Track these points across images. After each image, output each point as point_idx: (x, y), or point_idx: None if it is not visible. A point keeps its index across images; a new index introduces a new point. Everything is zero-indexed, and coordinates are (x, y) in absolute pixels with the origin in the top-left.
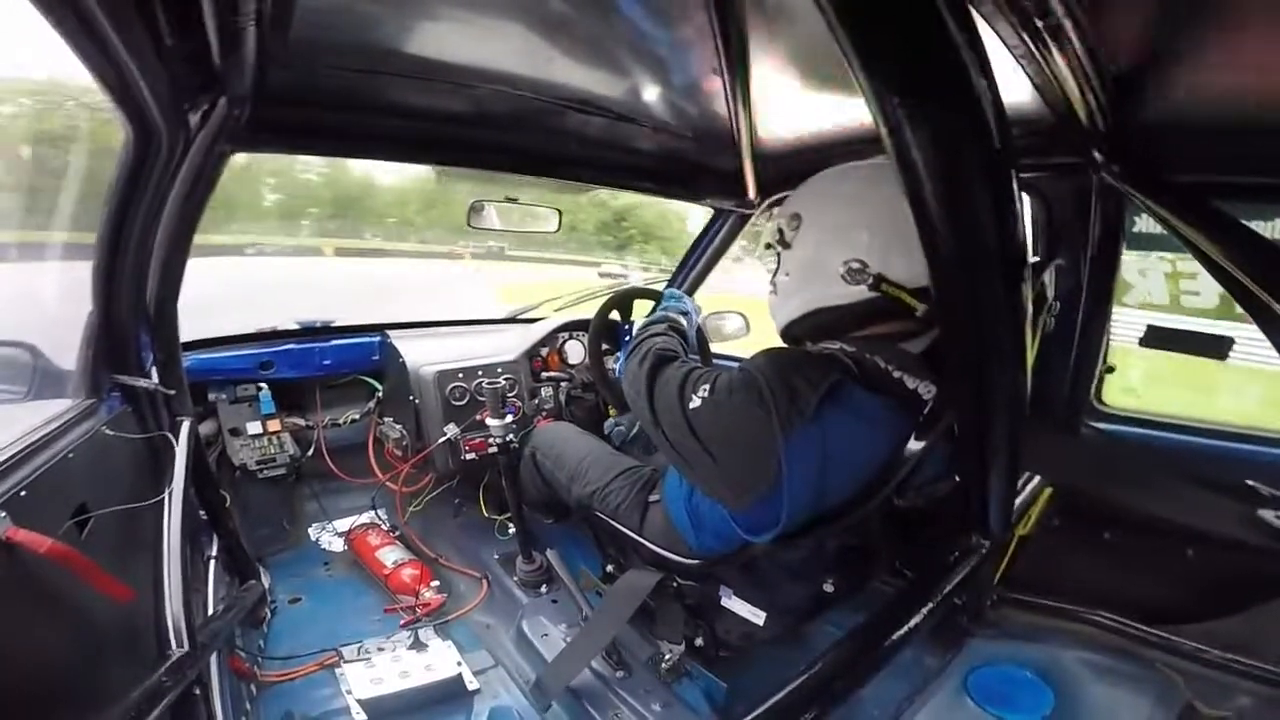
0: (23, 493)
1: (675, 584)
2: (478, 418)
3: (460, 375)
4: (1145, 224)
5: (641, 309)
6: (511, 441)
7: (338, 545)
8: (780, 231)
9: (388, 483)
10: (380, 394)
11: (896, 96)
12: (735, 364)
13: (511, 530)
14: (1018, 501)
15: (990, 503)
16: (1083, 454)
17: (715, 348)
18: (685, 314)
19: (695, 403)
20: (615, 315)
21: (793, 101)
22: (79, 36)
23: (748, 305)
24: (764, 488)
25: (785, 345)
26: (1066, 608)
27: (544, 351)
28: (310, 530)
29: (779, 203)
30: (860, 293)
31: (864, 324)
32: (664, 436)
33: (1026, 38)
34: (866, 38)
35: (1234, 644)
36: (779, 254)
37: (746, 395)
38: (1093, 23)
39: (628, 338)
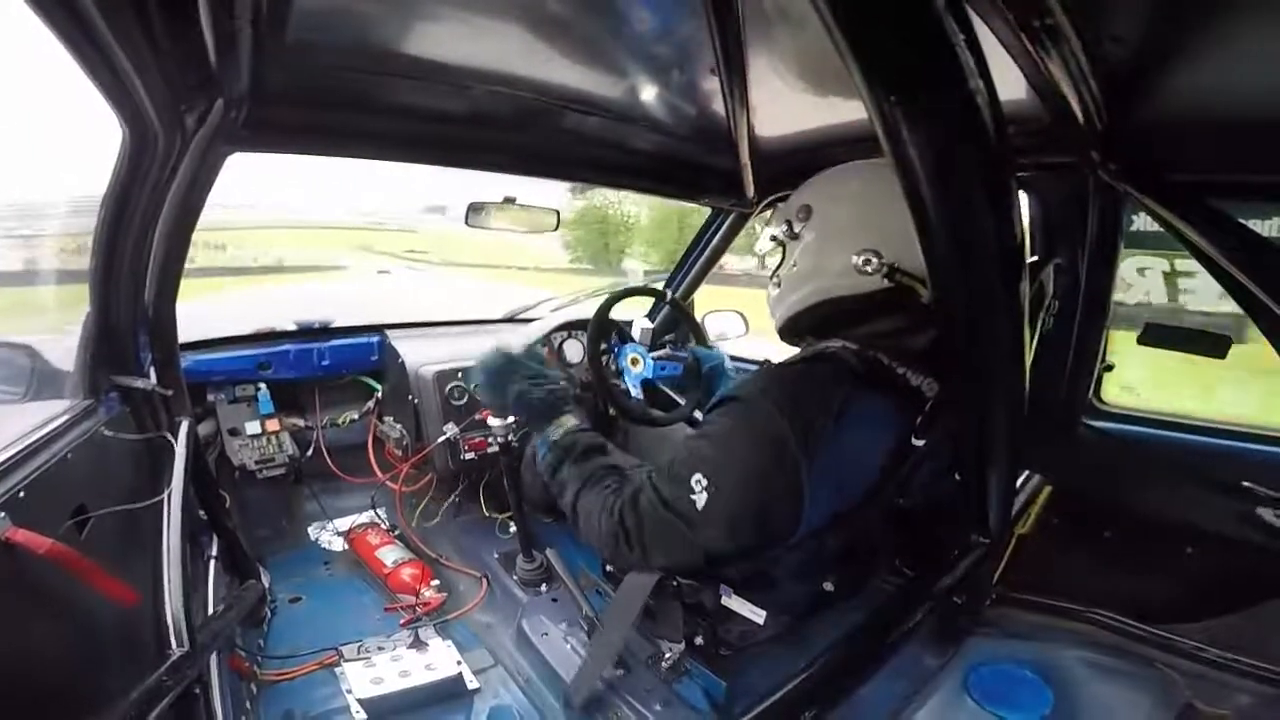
0: (21, 493)
1: (675, 583)
2: (477, 417)
3: (460, 375)
4: (1143, 223)
5: (642, 306)
6: (513, 440)
7: (337, 545)
8: (788, 224)
9: (388, 482)
10: (379, 394)
11: (893, 95)
12: (703, 420)
13: (512, 529)
14: (1017, 500)
15: (990, 501)
16: (1082, 453)
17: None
18: (547, 384)
19: (700, 499)
20: (615, 314)
21: (791, 101)
22: (74, 37)
23: None
24: (795, 523)
25: (780, 366)
26: (1066, 606)
27: (542, 351)
28: (310, 530)
29: (778, 203)
30: (874, 283)
31: (872, 317)
32: (680, 558)
33: (1023, 37)
34: (862, 36)
35: (1234, 643)
36: (784, 246)
37: (755, 451)
38: (1089, 22)
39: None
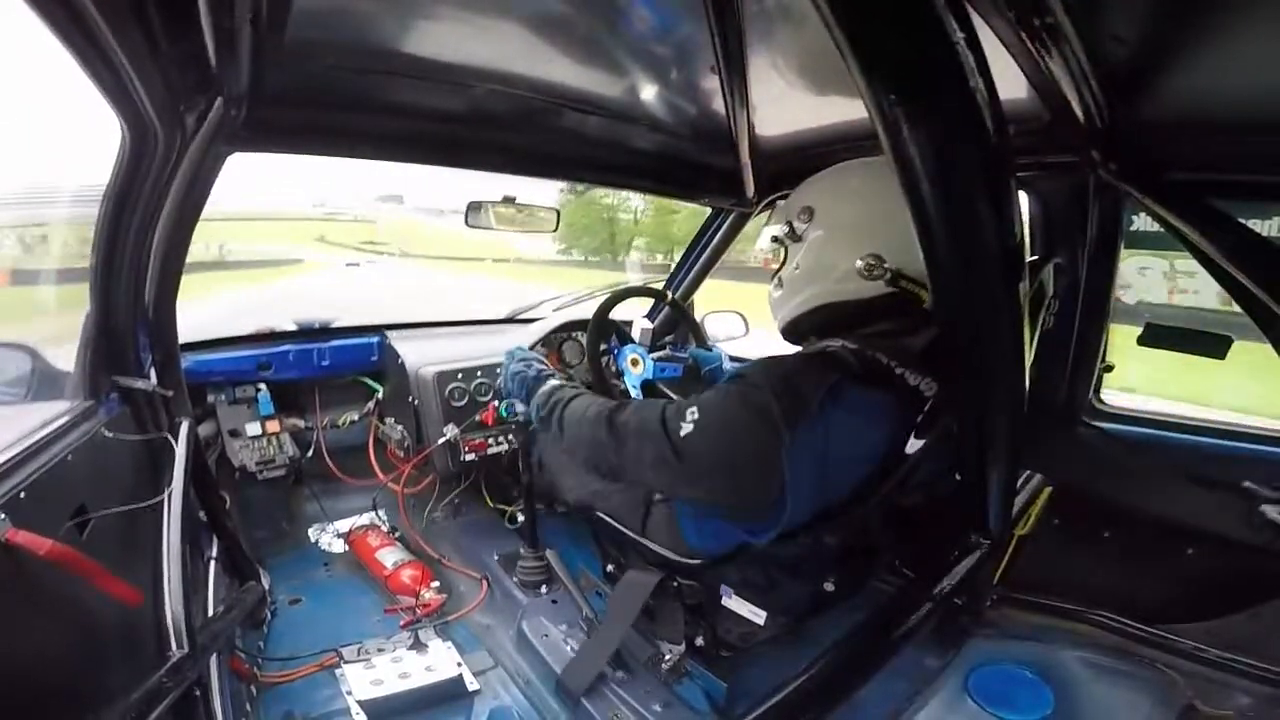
0: (22, 495)
1: (676, 583)
2: (477, 418)
3: (460, 376)
4: (1143, 222)
5: (642, 306)
6: (530, 421)
7: (337, 546)
8: (790, 225)
9: (390, 484)
10: (380, 395)
11: (893, 94)
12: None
13: (520, 519)
14: (1017, 500)
15: (990, 501)
16: (1082, 453)
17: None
18: (536, 364)
19: (687, 429)
20: (615, 315)
21: (791, 100)
22: (74, 36)
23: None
24: (770, 496)
25: (780, 355)
26: (1066, 607)
27: (544, 351)
28: (310, 531)
29: (778, 201)
30: (876, 288)
31: (874, 319)
32: (653, 475)
33: (1024, 36)
34: (863, 35)
35: (1234, 643)
36: (786, 248)
37: (743, 406)
38: (1090, 21)
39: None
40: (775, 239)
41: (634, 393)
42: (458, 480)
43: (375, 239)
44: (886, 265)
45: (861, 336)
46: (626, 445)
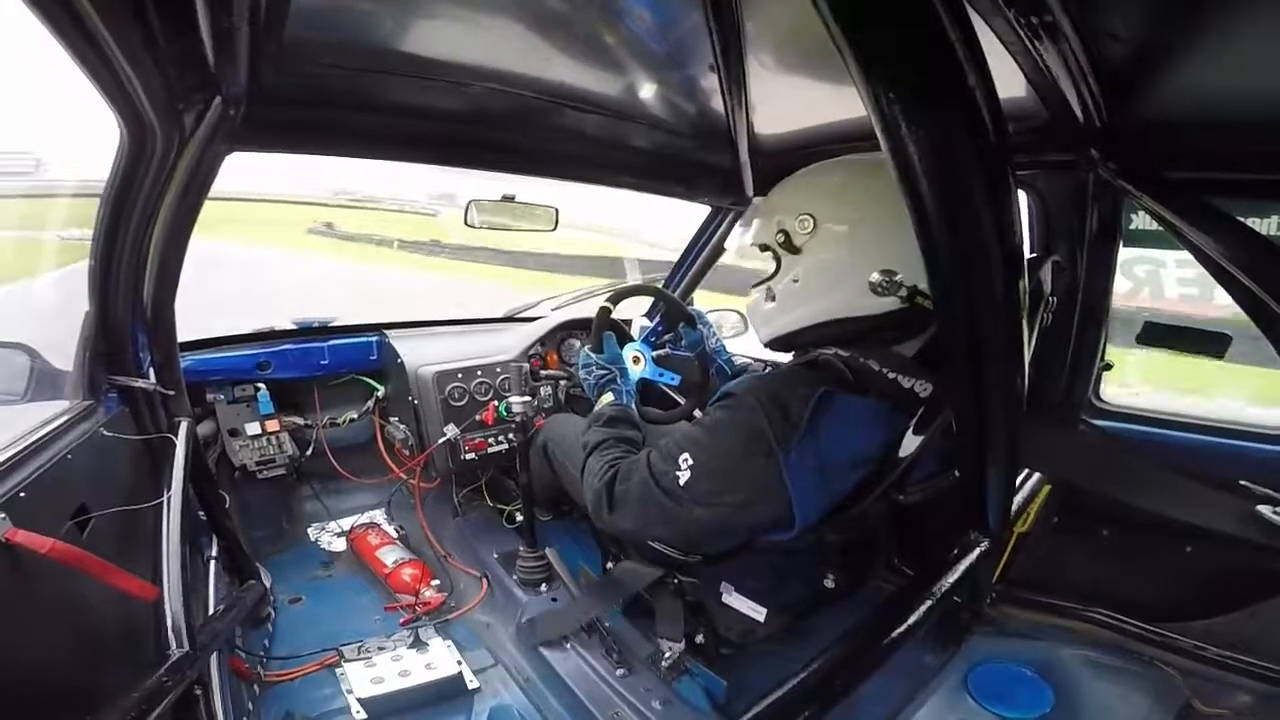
0: (21, 494)
1: (676, 580)
2: (477, 418)
3: (459, 375)
4: (1142, 220)
5: (642, 305)
6: (529, 420)
7: (338, 545)
8: (786, 235)
9: (409, 481)
10: (379, 394)
11: (892, 93)
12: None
13: (518, 519)
14: (1016, 499)
15: (989, 499)
16: (1081, 451)
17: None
18: (597, 372)
19: (684, 476)
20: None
21: (790, 98)
22: (72, 36)
23: None
24: (779, 512)
25: (770, 371)
26: (1066, 605)
27: (543, 350)
28: (310, 530)
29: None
30: (890, 304)
31: (880, 333)
32: (670, 533)
33: (1022, 34)
34: (862, 34)
35: (1233, 641)
36: (780, 258)
37: (734, 432)
38: (1088, 19)
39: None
40: (765, 247)
41: (631, 389)
42: (458, 480)
43: (442, 236)
44: (900, 280)
45: (853, 345)
46: (622, 517)
